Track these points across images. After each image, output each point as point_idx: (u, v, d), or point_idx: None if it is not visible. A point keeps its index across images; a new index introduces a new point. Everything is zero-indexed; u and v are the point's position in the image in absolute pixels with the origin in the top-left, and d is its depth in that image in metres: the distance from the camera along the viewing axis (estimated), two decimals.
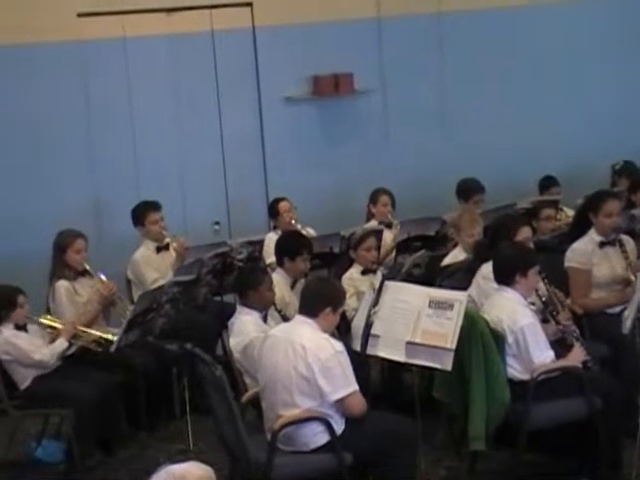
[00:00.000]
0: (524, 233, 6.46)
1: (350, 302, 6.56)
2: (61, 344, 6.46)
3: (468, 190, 8.29)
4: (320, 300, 5.36)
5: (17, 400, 6.37)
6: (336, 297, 5.45)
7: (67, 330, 6.52)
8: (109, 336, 6.55)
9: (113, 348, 6.47)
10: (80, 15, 7.98)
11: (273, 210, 8.13)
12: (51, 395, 6.26)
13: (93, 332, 6.65)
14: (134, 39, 8.20)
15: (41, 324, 6.57)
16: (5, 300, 6.37)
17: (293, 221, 7.97)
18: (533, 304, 6.01)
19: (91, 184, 8.16)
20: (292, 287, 6.75)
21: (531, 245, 6.46)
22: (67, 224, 7.12)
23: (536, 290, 6.01)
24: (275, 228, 8.06)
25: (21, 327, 6.43)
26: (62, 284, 6.88)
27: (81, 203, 8.04)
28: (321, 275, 6.90)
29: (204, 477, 3.28)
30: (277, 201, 8.13)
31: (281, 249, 6.89)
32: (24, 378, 6.38)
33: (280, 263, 6.83)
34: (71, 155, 8.09)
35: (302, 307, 5.44)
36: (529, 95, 9.44)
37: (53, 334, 6.55)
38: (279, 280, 6.68)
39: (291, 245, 6.88)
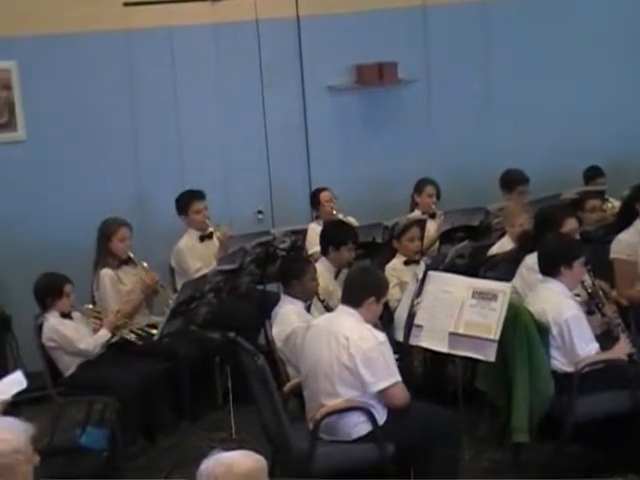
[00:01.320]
0: (570, 224, 6.41)
1: (393, 292, 6.53)
2: (104, 335, 6.50)
3: (512, 181, 8.23)
4: (363, 290, 5.35)
5: (61, 387, 6.43)
6: (379, 287, 5.44)
7: (110, 322, 6.56)
8: (152, 331, 6.58)
9: (156, 337, 6.52)
10: (126, 4, 8.00)
11: (314, 200, 8.11)
12: (95, 382, 6.31)
13: (136, 325, 6.69)
14: (179, 28, 8.21)
15: (85, 313, 6.61)
16: (52, 288, 6.41)
17: (334, 211, 7.95)
18: (578, 295, 5.96)
19: (135, 173, 8.18)
20: (336, 277, 6.74)
21: (577, 236, 6.41)
22: (112, 213, 7.16)
23: (582, 282, 5.96)
24: (317, 218, 8.04)
25: (66, 315, 6.47)
26: (106, 272, 6.92)
27: (125, 192, 8.07)
28: (364, 265, 6.87)
29: (254, 468, 3.26)
30: (318, 191, 8.11)
31: (326, 238, 6.87)
32: (68, 365, 6.42)
33: (325, 252, 6.81)
34: (116, 144, 8.11)
35: (345, 297, 5.43)
36: (575, 84, 9.33)
37: (97, 324, 6.59)
38: (323, 269, 6.67)
39: (336, 234, 6.86)
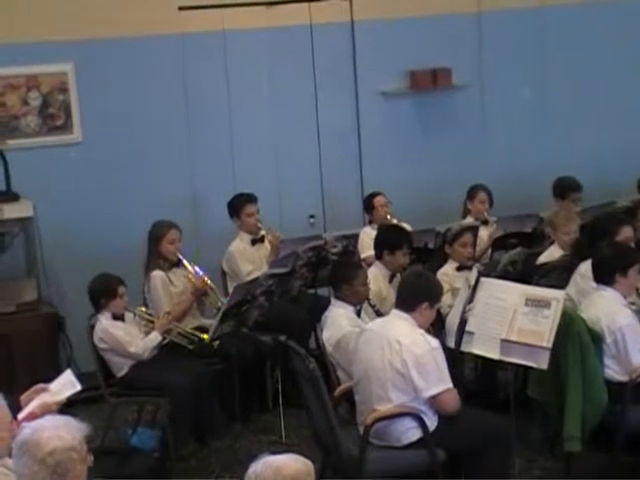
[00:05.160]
0: (626, 233, 6.36)
1: (445, 298, 6.49)
2: (155, 338, 6.53)
3: (565, 188, 8.17)
4: (417, 295, 5.34)
5: (114, 387, 6.47)
6: (434, 292, 5.43)
7: (162, 325, 6.60)
8: (204, 335, 6.60)
9: (208, 339, 6.54)
10: (181, 8, 8.05)
11: (368, 205, 8.09)
12: (147, 383, 6.34)
13: (187, 329, 6.72)
14: (233, 32, 8.24)
15: (138, 315, 6.64)
16: (106, 289, 6.45)
17: (389, 216, 7.93)
18: (633, 304, 5.90)
19: (189, 176, 8.22)
20: (390, 281, 6.72)
21: (632, 245, 6.35)
22: (165, 215, 7.20)
23: (636, 289, 5.90)
24: (370, 223, 8.03)
25: (118, 317, 6.51)
26: (157, 274, 6.96)
27: (179, 195, 8.10)
28: (419, 269, 6.85)
29: (302, 471, 3.29)
30: (373, 196, 8.08)
31: (381, 242, 6.85)
32: (121, 366, 6.47)
33: (379, 256, 6.80)
34: (170, 147, 8.15)
35: (399, 301, 5.42)
36: (631, 91, 9.24)
37: (148, 327, 6.63)
38: (377, 274, 6.67)
39: (391, 238, 6.84)
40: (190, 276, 6.99)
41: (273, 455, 3.36)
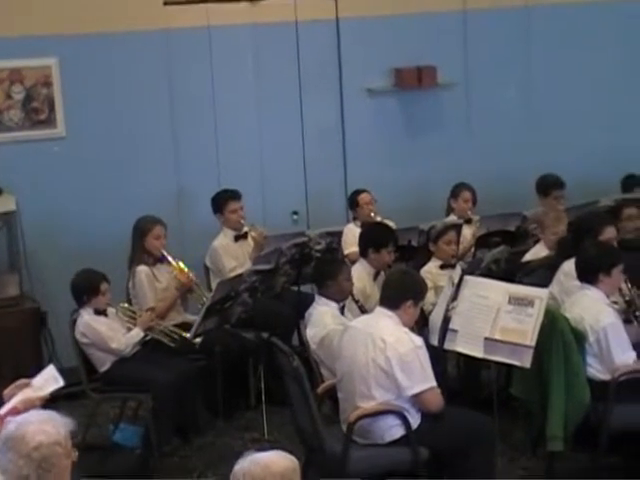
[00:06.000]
0: (609, 233, 6.39)
1: (428, 296, 6.49)
2: (137, 334, 6.51)
3: (547, 185, 8.18)
4: (402, 293, 5.34)
5: (96, 383, 6.45)
6: (418, 290, 5.44)
7: (144, 321, 6.57)
8: (185, 334, 6.57)
9: (191, 336, 6.52)
10: (166, 4, 8.04)
11: (353, 202, 8.07)
12: (130, 379, 6.32)
13: (169, 326, 6.69)
14: (218, 28, 8.23)
15: (120, 311, 6.61)
16: (89, 286, 6.42)
17: (373, 214, 7.93)
18: (616, 303, 5.92)
19: (173, 172, 8.20)
20: (374, 279, 6.72)
21: (615, 244, 6.37)
22: (149, 211, 7.19)
23: (620, 290, 5.92)
24: (355, 220, 8.03)
25: (101, 312, 6.49)
26: (143, 269, 6.94)
27: (163, 190, 8.07)
28: (403, 267, 6.85)
29: (289, 467, 3.30)
30: (358, 193, 8.06)
31: (366, 240, 6.84)
32: (103, 362, 6.44)
33: (364, 254, 6.79)
34: (154, 143, 8.13)
35: (383, 299, 5.42)
36: (616, 91, 9.27)
37: (131, 323, 6.60)
38: (361, 271, 6.66)
39: (377, 237, 6.84)
40: (175, 272, 6.98)
41: (258, 452, 3.35)
